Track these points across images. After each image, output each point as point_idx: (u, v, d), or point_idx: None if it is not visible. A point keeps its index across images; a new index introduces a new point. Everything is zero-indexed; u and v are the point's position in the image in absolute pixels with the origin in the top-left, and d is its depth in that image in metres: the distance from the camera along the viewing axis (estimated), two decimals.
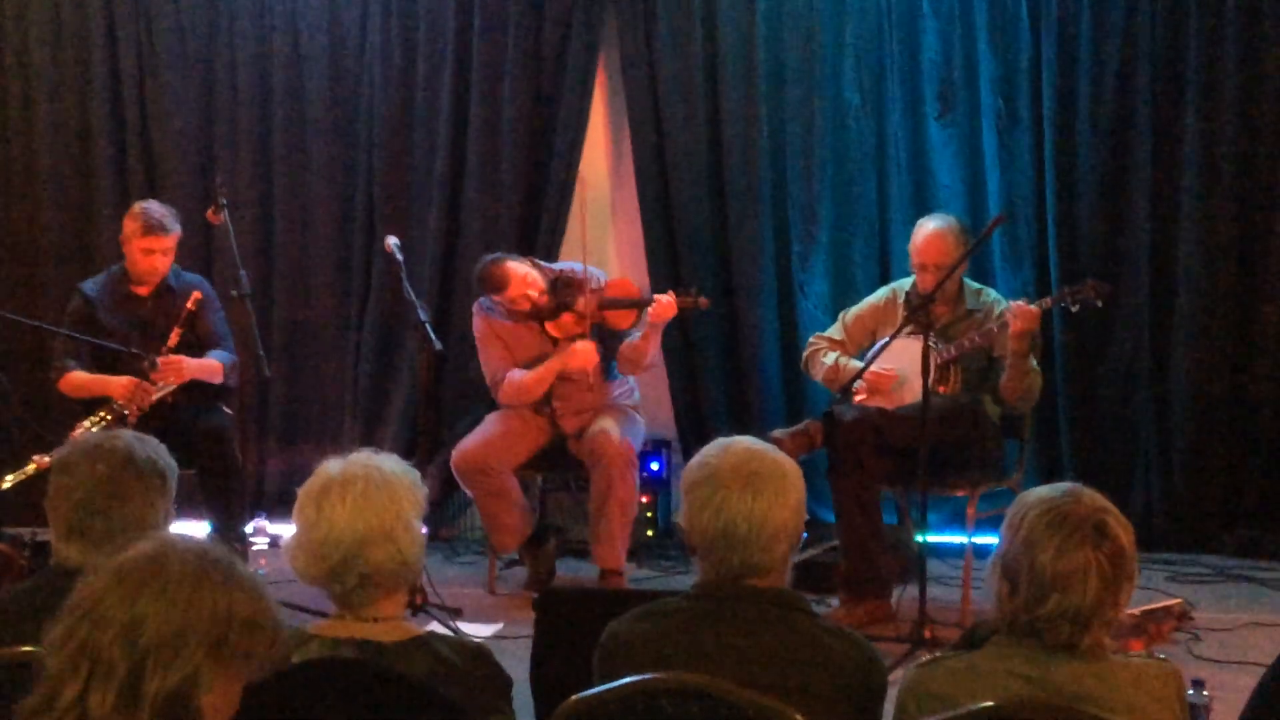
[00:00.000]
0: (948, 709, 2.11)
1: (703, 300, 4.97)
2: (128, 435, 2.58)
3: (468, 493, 5.18)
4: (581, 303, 5.04)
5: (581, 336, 5.05)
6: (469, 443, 5.10)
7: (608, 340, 5.17)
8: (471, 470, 5.05)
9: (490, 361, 5.22)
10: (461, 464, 5.05)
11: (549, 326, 5.14)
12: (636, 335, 5.09)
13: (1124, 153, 5.71)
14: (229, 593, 1.67)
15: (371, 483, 2.36)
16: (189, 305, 5.18)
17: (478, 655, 2.38)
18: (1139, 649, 4.10)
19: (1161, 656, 2.30)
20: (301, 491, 2.40)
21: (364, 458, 2.42)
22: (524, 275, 5.05)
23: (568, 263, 5.31)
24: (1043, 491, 2.25)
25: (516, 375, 5.14)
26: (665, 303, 4.90)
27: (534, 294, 5.06)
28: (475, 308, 5.28)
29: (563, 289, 5.10)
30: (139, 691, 1.60)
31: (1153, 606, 4.50)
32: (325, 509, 2.34)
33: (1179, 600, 4.65)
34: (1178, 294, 5.69)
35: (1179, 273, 5.69)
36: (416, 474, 2.46)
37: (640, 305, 5.02)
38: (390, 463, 2.44)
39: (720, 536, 2.37)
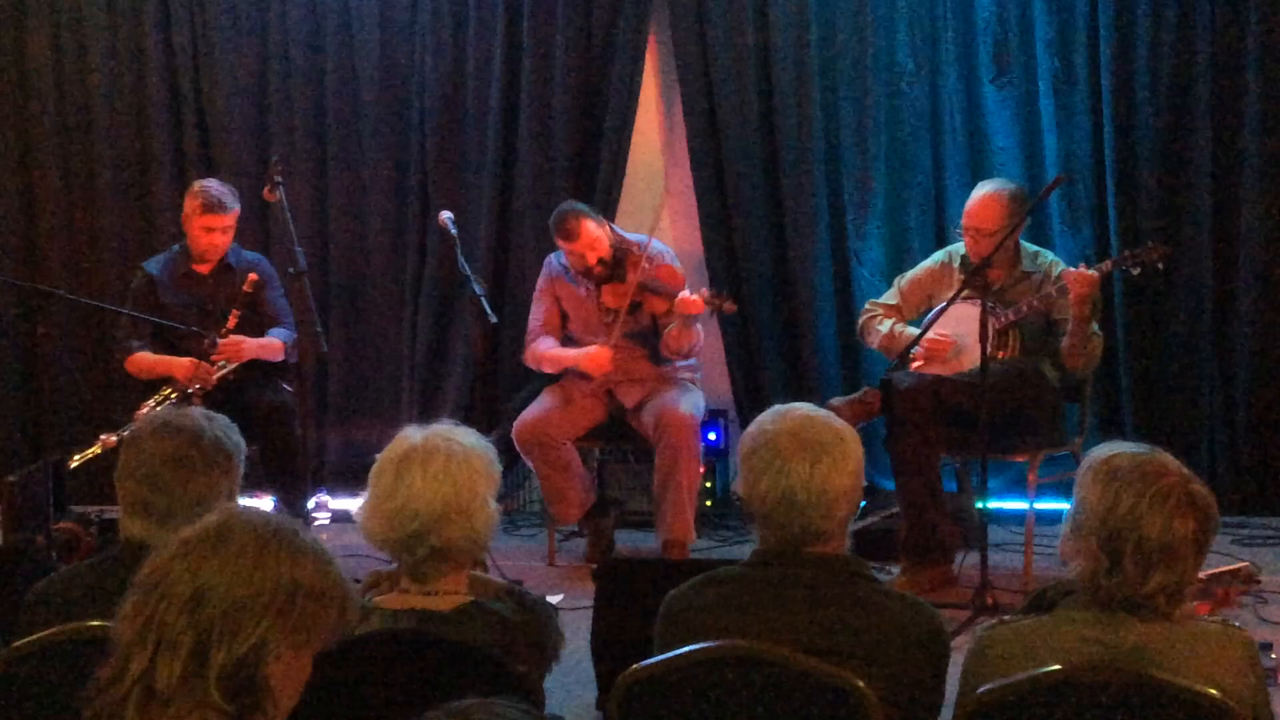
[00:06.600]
0: (1016, 672, 2.10)
1: (728, 305, 5.01)
2: (197, 413, 2.58)
3: (528, 464, 5.21)
4: (630, 276, 5.07)
5: (616, 313, 5.10)
6: (529, 415, 5.13)
7: (650, 321, 5.20)
8: (532, 442, 5.08)
9: (536, 316, 5.34)
10: (522, 436, 5.08)
11: (604, 293, 5.16)
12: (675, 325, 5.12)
13: (1184, 112, 5.60)
14: (294, 562, 1.67)
15: (453, 457, 2.35)
16: (245, 287, 5.21)
17: (520, 601, 2.43)
18: (1206, 612, 4.06)
19: (1236, 624, 2.27)
20: (381, 456, 2.40)
21: (445, 430, 2.41)
22: (595, 235, 5.09)
23: (639, 235, 5.32)
24: (1125, 454, 2.20)
25: (543, 345, 5.27)
26: (690, 300, 4.95)
27: (597, 255, 5.09)
28: (546, 261, 5.38)
29: (620, 259, 5.13)
30: (205, 662, 1.61)
31: (1220, 570, 4.45)
32: (404, 478, 2.34)
33: (1246, 563, 4.60)
34: (1240, 253, 5.60)
35: (1241, 232, 5.59)
36: (494, 451, 2.46)
37: (670, 296, 5.05)
38: (470, 438, 2.43)
39: (779, 503, 2.36)
